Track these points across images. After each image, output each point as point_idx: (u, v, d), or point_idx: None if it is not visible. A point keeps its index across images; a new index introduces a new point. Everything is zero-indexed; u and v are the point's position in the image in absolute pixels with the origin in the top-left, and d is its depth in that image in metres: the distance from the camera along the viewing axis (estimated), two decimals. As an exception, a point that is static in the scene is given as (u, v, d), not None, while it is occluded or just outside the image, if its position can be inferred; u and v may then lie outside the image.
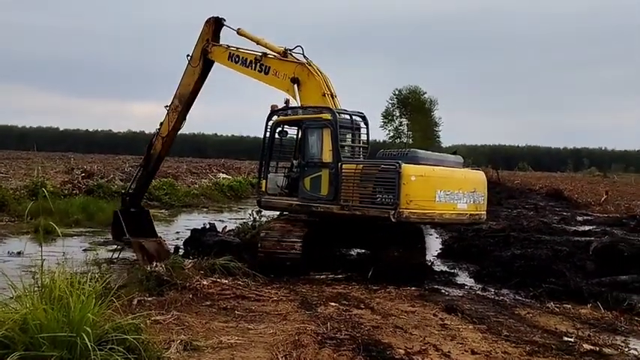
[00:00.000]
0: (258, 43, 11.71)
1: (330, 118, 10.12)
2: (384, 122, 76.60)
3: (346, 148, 10.75)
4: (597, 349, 6.48)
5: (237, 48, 11.93)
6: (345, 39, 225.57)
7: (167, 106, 12.59)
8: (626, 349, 6.63)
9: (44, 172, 26.10)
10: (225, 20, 12.24)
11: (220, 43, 12.22)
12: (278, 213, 11.89)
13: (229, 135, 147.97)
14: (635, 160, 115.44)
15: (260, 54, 11.49)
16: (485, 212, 10.55)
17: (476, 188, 10.13)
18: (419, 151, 10.27)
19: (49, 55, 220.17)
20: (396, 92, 77.57)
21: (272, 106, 11.38)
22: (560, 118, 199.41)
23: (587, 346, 6.52)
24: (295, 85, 10.93)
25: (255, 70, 11.51)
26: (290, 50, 11.30)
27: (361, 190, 9.49)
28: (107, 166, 31.75)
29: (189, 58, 12.32)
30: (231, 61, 11.90)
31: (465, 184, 9.93)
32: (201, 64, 12.18)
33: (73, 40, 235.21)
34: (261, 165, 11.38)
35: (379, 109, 78.04)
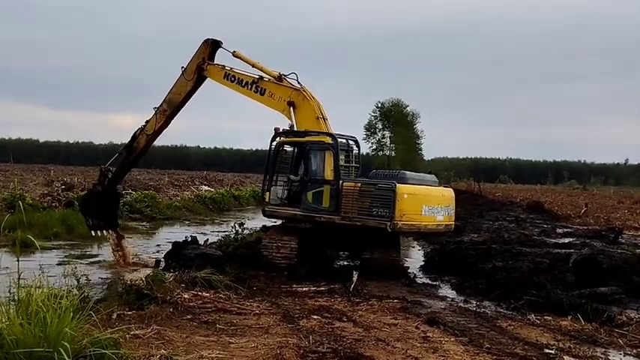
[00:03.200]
0: (253, 66, 12.83)
1: (331, 142, 11.62)
2: (367, 135, 77.03)
3: (342, 167, 11.89)
4: (577, 360, 6.53)
5: (232, 68, 12.92)
6: (321, 54, 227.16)
7: (155, 108, 13.40)
8: (606, 361, 6.68)
9: (23, 184, 25.75)
10: (222, 43, 13.20)
11: (215, 62, 13.16)
12: (262, 225, 13.14)
13: (212, 147, 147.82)
14: (613, 173, 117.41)
15: (257, 77, 12.60)
16: (454, 223, 12.45)
17: (449, 203, 11.99)
18: (407, 172, 12.05)
19: (26, 67, 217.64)
20: (379, 105, 78.16)
21: (275, 129, 12.29)
22: (541, 132, 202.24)
23: (567, 358, 6.57)
24: (291, 108, 12.10)
25: (250, 90, 12.64)
26: (285, 75, 12.43)
27: (359, 204, 11.07)
28: (87, 178, 31.34)
29: (182, 69, 13.17)
30: (227, 79, 12.94)
31: (442, 200, 11.79)
32: (195, 78, 13.10)
33: (50, 52, 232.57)
34: (264, 179, 12.54)
35: (357, 123, 78.50)
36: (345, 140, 12.40)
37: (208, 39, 13.14)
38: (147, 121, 13.52)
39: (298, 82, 12.36)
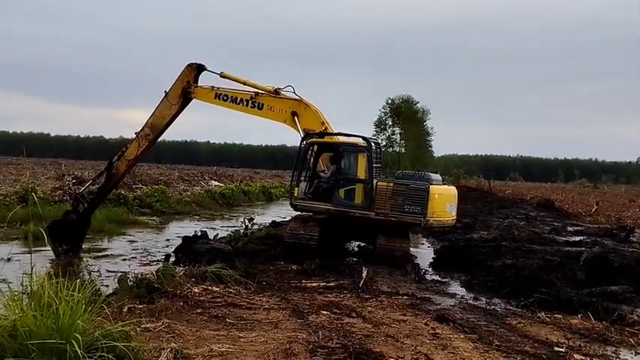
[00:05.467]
0: (245, 84, 13.32)
1: (365, 145, 12.77)
2: (377, 131, 76.77)
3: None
4: (588, 359, 6.50)
5: (219, 87, 13.37)
6: (330, 50, 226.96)
7: (137, 133, 13.50)
8: (617, 360, 6.64)
9: (34, 178, 25.92)
10: (206, 66, 13.51)
11: (201, 84, 13.47)
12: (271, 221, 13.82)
13: (222, 143, 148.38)
14: (624, 171, 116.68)
15: (253, 93, 13.23)
16: None
17: (456, 201, 13.29)
18: (431, 174, 13.26)
19: (38, 62, 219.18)
20: (389, 101, 77.86)
21: (304, 129, 12.95)
22: (552, 129, 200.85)
23: (577, 357, 6.54)
24: (295, 118, 12.97)
25: (246, 106, 13.23)
26: (281, 89, 13.22)
27: (392, 202, 12.23)
28: (99, 172, 31.46)
29: (165, 93, 13.36)
30: (219, 99, 13.40)
31: (455, 198, 13.18)
32: (181, 102, 13.37)
33: (62, 47, 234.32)
34: (293, 175, 13.35)
35: (367, 120, 78.21)
36: (372, 143, 13.22)
37: (192, 63, 13.43)
38: (126, 147, 13.61)
39: (295, 94, 13.07)
